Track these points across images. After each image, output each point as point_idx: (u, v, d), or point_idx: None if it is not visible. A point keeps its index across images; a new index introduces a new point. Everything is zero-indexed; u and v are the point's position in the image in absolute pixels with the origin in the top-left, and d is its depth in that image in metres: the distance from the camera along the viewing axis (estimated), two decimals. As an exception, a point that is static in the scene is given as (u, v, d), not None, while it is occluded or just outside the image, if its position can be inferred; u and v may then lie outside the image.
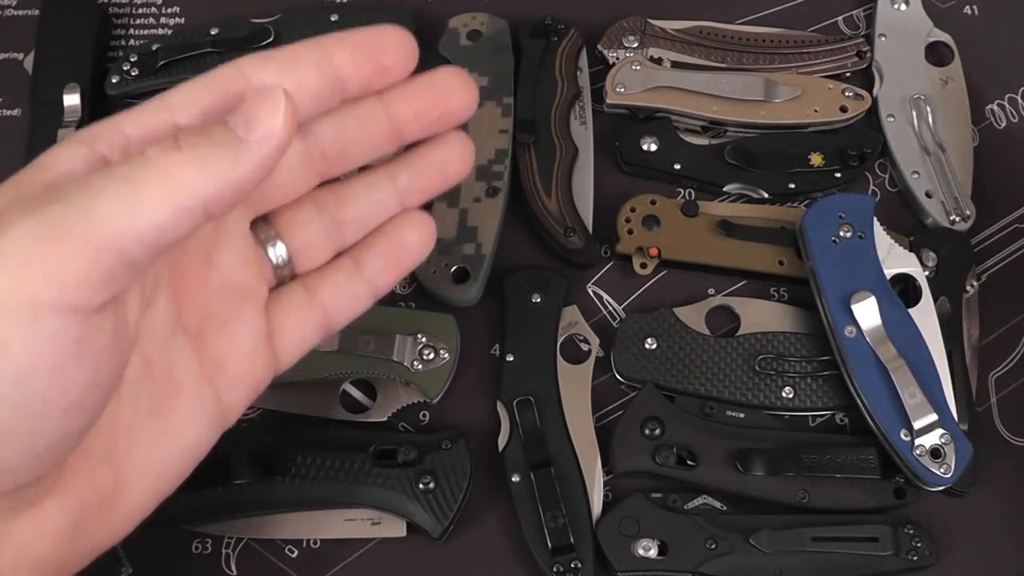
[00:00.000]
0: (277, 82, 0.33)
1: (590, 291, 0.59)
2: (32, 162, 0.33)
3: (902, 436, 0.51)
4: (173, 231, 0.30)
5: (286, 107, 0.32)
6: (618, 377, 0.56)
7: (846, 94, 0.62)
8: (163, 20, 0.68)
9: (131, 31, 0.68)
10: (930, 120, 0.62)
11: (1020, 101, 0.65)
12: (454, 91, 0.38)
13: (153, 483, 0.36)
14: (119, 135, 0.33)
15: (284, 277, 0.40)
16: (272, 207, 0.39)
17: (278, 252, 0.39)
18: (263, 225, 0.39)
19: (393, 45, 0.37)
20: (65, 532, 0.34)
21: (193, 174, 0.30)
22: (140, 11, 0.68)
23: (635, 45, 0.64)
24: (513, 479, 0.52)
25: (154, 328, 0.35)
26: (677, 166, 0.61)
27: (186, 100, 0.34)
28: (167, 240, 0.31)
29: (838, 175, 0.61)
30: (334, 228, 0.40)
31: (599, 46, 0.64)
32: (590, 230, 0.59)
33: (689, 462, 0.53)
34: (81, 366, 0.30)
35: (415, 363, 0.54)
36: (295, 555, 0.53)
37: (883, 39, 0.65)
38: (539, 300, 0.56)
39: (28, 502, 0.33)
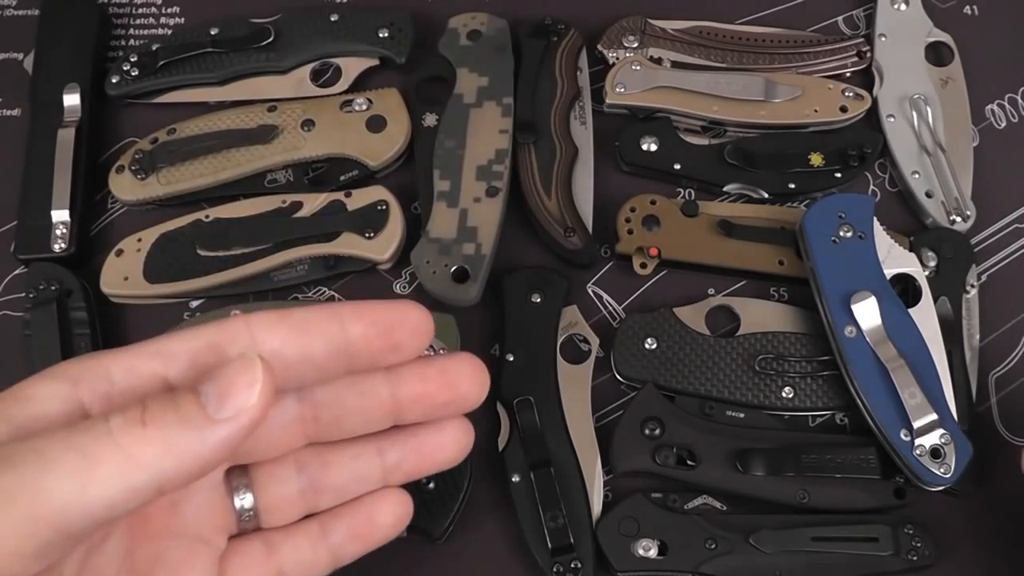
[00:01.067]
0: (271, 348, 0.32)
1: (590, 291, 0.59)
2: (12, 390, 0.32)
3: (902, 436, 0.51)
4: (122, 507, 0.30)
5: (263, 385, 0.31)
6: (618, 377, 0.56)
7: (846, 94, 0.62)
8: (163, 20, 0.68)
9: (131, 31, 0.68)
10: (930, 120, 0.62)
11: (1020, 101, 0.65)
12: (464, 380, 0.38)
13: None
14: (105, 380, 0.33)
15: (247, 528, 0.39)
16: (252, 460, 0.38)
17: (246, 505, 0.38)
18: (238, 474, 0.38)
19: (409, 323, 0.36)
20: None
21: (152, 452, 0.30)
22: (140, 11, 0.68)
23: (635, 45, 0.64)
24: (513, 479, 0.52)
25: (98, 567, 0.34)
26: (677, 166, 0.61)
27: (183, 350, 0.33)
28: (114, 515, 0.30)
29: (838, 175, 0.61)
30: (310, 492, 0.39)
31: (599, 46, 0.64)
32: (590, 230, 0.59)
33: (689, 462, 0.53)
34: None
35: (415, 363, 0.54)
36: (295, 555, 0.53)
37: (883, 39, 0.65)
38: (539, 300, 0.56)
39: None
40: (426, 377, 0.37)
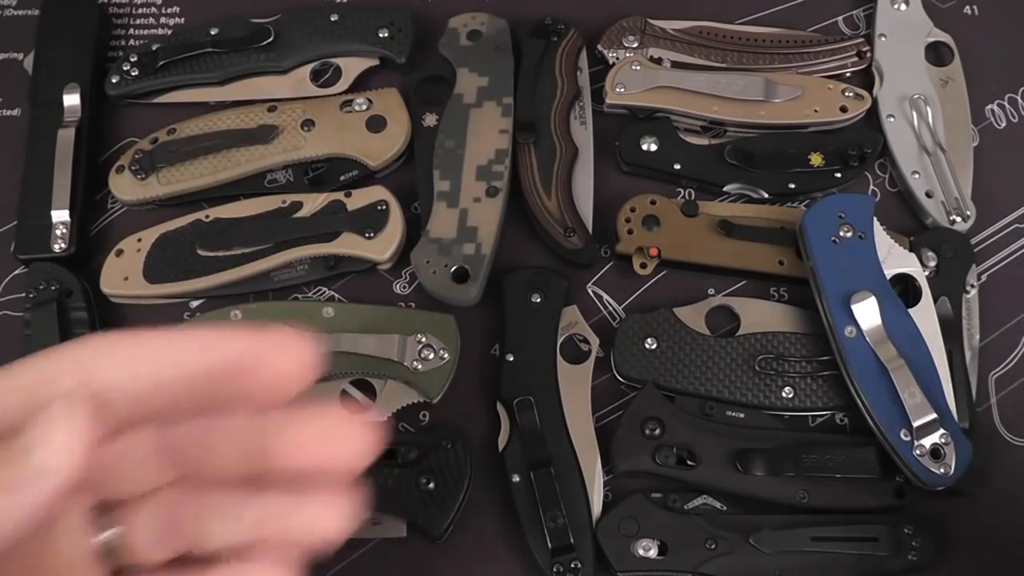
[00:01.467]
0: (108, 379, 0.29)
1: (590, 291, 0.59)
2: None
3: (902, 436, 0.51)
4: None
5: (79, 433, 0.28)
6: (618, 377, 0.56)
7: (846, 94, 0.62)
8: (163, 20, 0.68)
9: (131, 31, 0.68)
10: (930, 120, 0.62)
11: (1020, 101, 0.65)
12: (345, 441, 0.32)
13: None
14: None
15: (121, 565, 0.34)
16: (114, 496, 0.34)
17: (110, 541, 0.34)
18: (103, 509, 0.34)
19: (285, 357, 0.31)
20: None
21: None
22: (140, 11, 0.68)
23: (635, 45, 0.64)
24: (513, 479, 0.52)
25: None
26: (677, 166, 0.61)
27: (8, 389, 0.29)
28: None
29: (838, 175, 0.61)
30: (177, 531, 0.34)
31: (599, 46, 0.64)
32: (590, 230, 0.59)
33: (689, 462, 0.53)
34: None
35: (415, 363, 0.54)
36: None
37: (883, 39, 0.65)
38: (539, 300, 0.56)
39: None
40: (301, 427, 0.33)
